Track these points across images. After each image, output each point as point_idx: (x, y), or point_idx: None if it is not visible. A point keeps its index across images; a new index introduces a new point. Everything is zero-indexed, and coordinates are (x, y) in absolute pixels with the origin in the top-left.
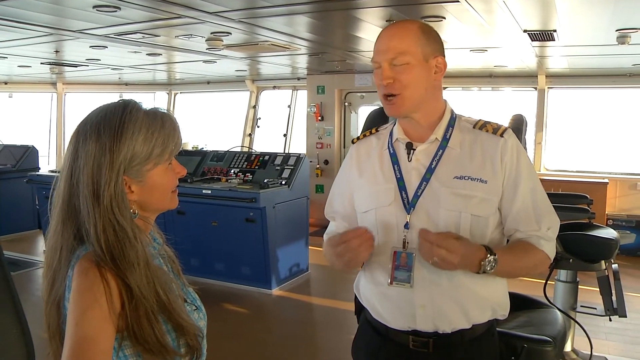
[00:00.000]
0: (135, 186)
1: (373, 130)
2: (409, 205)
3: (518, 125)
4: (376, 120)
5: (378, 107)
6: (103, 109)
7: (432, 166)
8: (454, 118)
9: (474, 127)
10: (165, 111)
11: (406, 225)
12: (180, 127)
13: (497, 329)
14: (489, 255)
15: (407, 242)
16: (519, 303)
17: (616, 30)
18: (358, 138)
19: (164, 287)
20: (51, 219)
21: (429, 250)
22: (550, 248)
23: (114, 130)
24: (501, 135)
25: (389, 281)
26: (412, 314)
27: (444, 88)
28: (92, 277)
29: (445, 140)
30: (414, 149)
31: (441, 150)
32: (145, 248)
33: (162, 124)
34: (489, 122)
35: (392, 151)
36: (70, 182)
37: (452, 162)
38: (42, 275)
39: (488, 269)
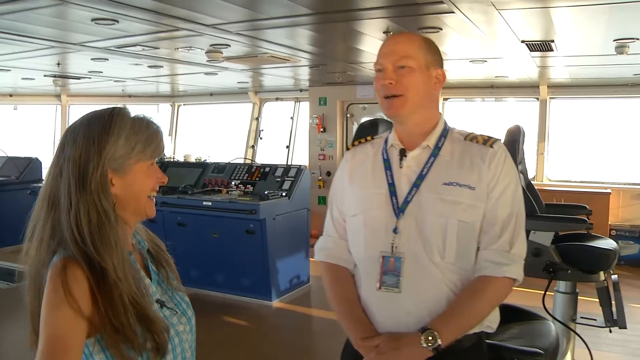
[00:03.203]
0: (117, 179)
1: (369, 138)
2: (398, 210)
3: (514, 137)
4: (367, 131)
5: (372, 118)
6: (93, 112)
7: (423, 173)
8: (446, 129)
9: (465, 139)
10: (152, 118)
11: (395, 230)
12: (163, 136)
13: (488, 340)
14: (421, 334)
15: (395, 247)
16: (512, 314)
17: (614, 40)
18: (353, 144)
19: (134, 277)
20: (31, 222)
21: None
22: (513, 270)
23: (102, 124)
24: (491, 146)
25: (378, 286)
26: (399, 320)
27: (447, 99)
28: (60, 279)
29: (437, 148)
30: (406, 156)
31: (432, 158)
32: (123, 236)
33: (147, 125)
34: (480, 135)
35: (385, 157)
36: (55, 173)
37: (442, 169)
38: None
39: (431, 341)
